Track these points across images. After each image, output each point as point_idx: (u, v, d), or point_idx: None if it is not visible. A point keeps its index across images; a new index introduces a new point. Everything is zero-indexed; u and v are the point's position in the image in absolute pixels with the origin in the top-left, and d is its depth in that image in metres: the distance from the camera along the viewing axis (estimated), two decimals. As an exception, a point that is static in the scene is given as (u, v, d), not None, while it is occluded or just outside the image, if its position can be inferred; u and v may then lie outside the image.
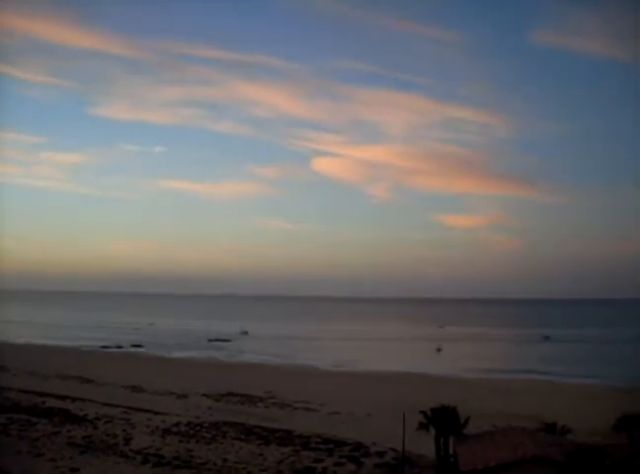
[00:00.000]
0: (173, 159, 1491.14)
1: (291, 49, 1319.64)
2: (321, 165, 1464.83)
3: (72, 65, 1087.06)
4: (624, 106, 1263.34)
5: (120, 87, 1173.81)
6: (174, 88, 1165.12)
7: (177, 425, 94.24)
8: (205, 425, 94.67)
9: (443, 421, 64.76)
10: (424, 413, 67.21)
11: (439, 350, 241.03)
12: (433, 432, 65.67)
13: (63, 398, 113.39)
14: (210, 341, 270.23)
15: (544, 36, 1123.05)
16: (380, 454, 77.91)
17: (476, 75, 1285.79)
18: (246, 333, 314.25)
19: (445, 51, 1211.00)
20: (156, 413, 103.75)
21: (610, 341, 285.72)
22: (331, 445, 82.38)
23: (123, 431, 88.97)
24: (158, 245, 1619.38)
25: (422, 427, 66.79)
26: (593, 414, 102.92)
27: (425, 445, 71.64)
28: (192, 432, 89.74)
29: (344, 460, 74.75)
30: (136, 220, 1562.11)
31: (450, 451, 62.94)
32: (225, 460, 73.94)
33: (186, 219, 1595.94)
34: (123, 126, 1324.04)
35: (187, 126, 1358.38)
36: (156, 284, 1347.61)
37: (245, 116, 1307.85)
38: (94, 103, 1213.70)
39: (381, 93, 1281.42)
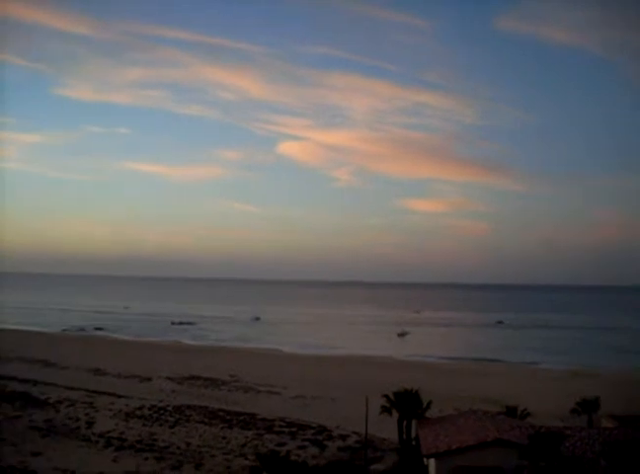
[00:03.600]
0: (137, 141, 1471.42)
1: (258, 33, 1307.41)
2: (286, 149, 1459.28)
3: (37, 45, 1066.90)
4: (589, 94, 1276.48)
5: (84, 68, 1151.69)
6: (139, 69, 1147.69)
7: (140, 408, 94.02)
8: (169, 408, 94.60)
9: (406, 404, 65.43)
10: (387, 396, 67.85)
11: (400, 334, 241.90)
12: (395, 415, 66.33)
13: (25, 382, 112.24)
14: (174, 324, 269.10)
15: (511, 23, 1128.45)
16: (343, 438, 78.65)
17: (442, 61, 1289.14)
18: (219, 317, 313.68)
19: (411, 37, 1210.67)
20: (119, 396, 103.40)
21: (566, 326, 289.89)
22: (294, 429, 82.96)
23: (86, 414, 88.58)
24: (121, 227, 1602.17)
25: (385, 410, 67.44)
26: (551, 397, 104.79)
27: (388, 429, 72.38)
28: (155, 415, 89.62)
29: (307, 443, 75.39)
30: (100, 202, 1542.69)
31: (413, 434, 63.65)
32: (189, 444, 74.10)
33: (149, 202, 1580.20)
34: (88, 107, 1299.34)
35: (152, 108, 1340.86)
36: (121, 267, 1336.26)
37: (210, 99, 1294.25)
38: (58, 83, 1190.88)
39: (347, 78, 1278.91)
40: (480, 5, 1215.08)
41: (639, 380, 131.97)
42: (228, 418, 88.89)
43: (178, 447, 72.34)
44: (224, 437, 77.52)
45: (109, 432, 78.99)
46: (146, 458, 67.41)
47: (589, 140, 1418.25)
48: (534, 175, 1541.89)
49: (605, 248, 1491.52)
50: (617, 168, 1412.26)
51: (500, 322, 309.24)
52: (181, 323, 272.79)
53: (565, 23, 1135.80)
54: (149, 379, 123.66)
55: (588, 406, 72.80)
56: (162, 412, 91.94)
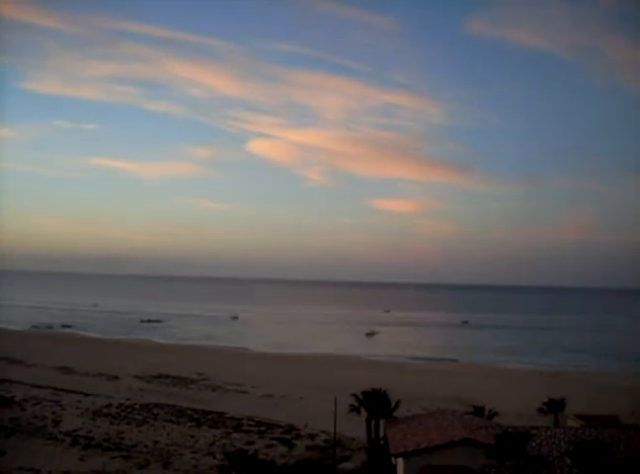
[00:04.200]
0: (105, 137, 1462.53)
1: (229, 30, 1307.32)
2: (256, 147, 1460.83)
3: (3, 39, 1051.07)
4: (558, 97, 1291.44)
5: (52, 62, 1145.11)
6: (108, 64, 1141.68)
7: (107, 406, 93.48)
8: (137, 407, 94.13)
9: (374, 404, 65.60)
10: (355, 396, 68.00)
11: (369, 334, 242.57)
12: (364, 414, 66.51)
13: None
14: (143, 322, 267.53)
15: (479, 25, 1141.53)
16: (312, 437, 78.77)
17: (413, 62, 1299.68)
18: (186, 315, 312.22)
19: (383, 38, 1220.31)
20: (86, 394, 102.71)
21: (529, 327, 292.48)
22: (263, 428, 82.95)
23: (52, 413, 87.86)
24: (88, 224, 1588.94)
25: (353, 409, 67.57)
26: (518, 397, 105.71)
27: (356, 428, 72.61)
28: (123, 413, 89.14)
29: (275, 442, 75.40)
30: (67, 198, 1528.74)
31: (381, 434, 63.84)
32: (156, 442, 73.75)
33: (117, 199, 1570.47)
34: (55, 102, 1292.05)
35: (120, 104, 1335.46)
36: (88, 265, 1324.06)
37: (180, 95, 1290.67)
38: (25, 77, 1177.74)
39: (318, 77, 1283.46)
40: (450, 7, 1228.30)
41: (603, 380, 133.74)
42: (196, 416, 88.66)
43: (145, 446, 71.97)
44: (192, 436, 77.28)
45: (75, 430, 78.37)
46: (113, 457, 66.98)
47: (553, 142, 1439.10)
48: (500, 175, 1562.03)
49: (567, 248, 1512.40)
50: (580, 170, 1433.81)
51: (465, 322, 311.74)
52: (149, 321, 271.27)
53: (532, 26, 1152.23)
54: (117, 377, 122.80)
55: (554, 406, 73.53)
56: (130, 410, 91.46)
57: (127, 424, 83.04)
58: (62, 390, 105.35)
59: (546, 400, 75.05)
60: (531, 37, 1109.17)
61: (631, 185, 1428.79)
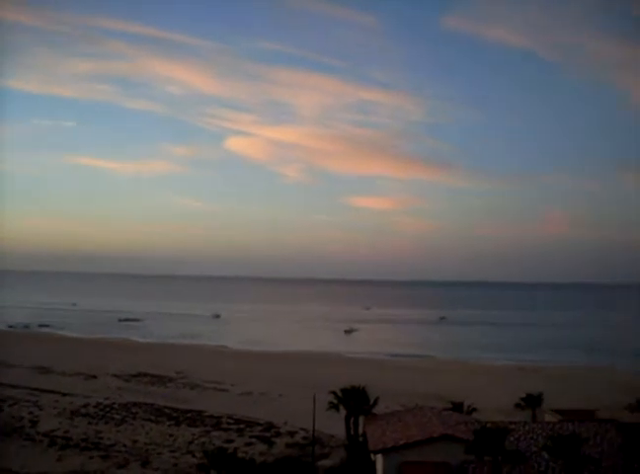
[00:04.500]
0: (85, 135, 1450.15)
1: (206, 28, 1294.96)
2: (234, 144, 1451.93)
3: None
4: (538, 94, 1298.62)
5: (30, 59, 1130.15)
6: (86, 62, 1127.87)
7: (85, 406, 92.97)
8: (115, 406, 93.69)
9: (353, 401, 65.65)
10: (334, 393, 68.04)
11: (347, 331, 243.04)
12: (343, 411, 66.57)
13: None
14: (121, 321, 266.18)
15: (458, 22, 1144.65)
16: (291, 434, 78.82)
17: (391, 59, 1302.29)
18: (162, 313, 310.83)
19: (359, 34, 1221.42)
20: (64, 394, 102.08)
21: (507, 323, 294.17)
22: (242, 426, 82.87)
23: (30, 413, 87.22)
24: (67, 223, 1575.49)
25: (332, 406, 67.57)
26: (497, 393, 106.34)
27: (335, 425, 72.62)
28: (101, 413, 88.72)
29: (255, 440, 75.37)
30: (45, 197, 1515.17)
31: (360, 431, 63.93)
32: (135, 441, 73.47)
33: (96, 197, 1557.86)
34: (34, 100, 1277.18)
35: (99, 102, 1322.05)
36: (68, 263, 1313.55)
37: (159, 93, 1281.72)
38: (3, 74, 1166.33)
39: (296, 74, 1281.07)
40: (430, 4, 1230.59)
41: (579, 375, 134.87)
42: (175, 415, 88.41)
43: (124, 445, 71.66)
44: (171, 435, 77.05)
45: (53, 430, 77.89)
46: (91, 457, 66.64)
47: (531, 140, 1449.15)
48: (482, 172, 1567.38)
49: (551, 245, 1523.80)
50: (563, 167, 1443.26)
51: (443, 318, 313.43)
52: (128, 320, 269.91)
53: (511, 24, 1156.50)
54: (95, 377, 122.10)
55: (531, 401, 73.91)
56: (108, 410, 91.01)
57: (106, 423, 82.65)
58: (39, 390, 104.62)
59: (524, 395, 75.51)
60: (509, 34, 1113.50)
61: (614, 181, 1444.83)
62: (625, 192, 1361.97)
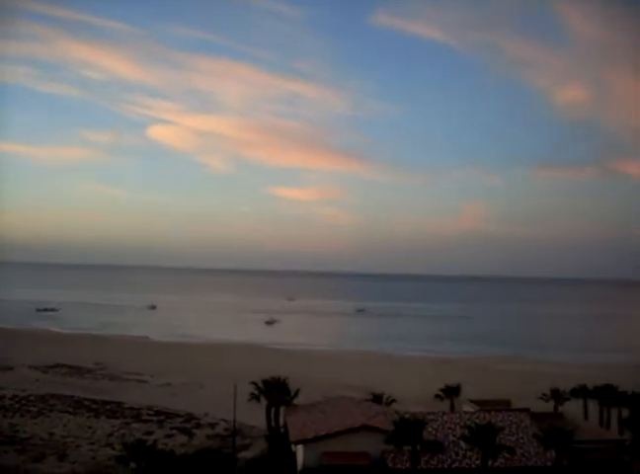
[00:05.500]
0: (0, 119, 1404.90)
1: (129, 13, 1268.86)
2: (156, 133, 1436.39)
3: None
4: (459, 91, 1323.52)
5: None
6: (1, 43, 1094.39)
7: (0, 398, 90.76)
8: (32, 398, 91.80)
9: (274, 392, 65.92)
10: (255, 384, 68.16)
11: (268, 322, 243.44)
12: (264, 402, 66.76)
13: None
14: (39, 310, 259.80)
15: (383, 18, 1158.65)
16: (212, 425, 78.70)
17: (317, 52, 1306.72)
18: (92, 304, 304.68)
19: (285, 26, 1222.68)
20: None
21: (424, 315, 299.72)
22: (162, 417, 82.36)
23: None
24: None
25: (253, 397, 67.72)
26: (416, 384, 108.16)
27: (256, 416, 72.84)
28: (16, 405, 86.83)
29: (175, 432, 75.08)
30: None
31: (281, 422, 64.29)
32: (52, 434, 72.22)
33: (8, 184, 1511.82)
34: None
35: (13, 85, 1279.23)
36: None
37: (76, 77, 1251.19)
38: None
39: (220, 63, 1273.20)
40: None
41: (494, 367, 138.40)
42: (94, 407, 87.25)
43: (41, 438, 70.36)
44: (90, 427, 76.03)
45: (-35, 424, 75.94)
46: (6, 451, 65.19)
47: (447, 135, 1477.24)
48: (400, 166, 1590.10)
49: (466, 240, 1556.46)
50: (474, 163, 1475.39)
51: (361, 310, 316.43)
52: (46, 309, 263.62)
53: (436, 22, 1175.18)
54: (11, 368, 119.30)
55: (450, 392, 75.58)
56: (24, 402, 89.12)
57: (22, 416, 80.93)
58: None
59: (443, 387, 77.10)
60: (434, 31, 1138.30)
61: (525, 177, 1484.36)
62: (540, 188, 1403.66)
